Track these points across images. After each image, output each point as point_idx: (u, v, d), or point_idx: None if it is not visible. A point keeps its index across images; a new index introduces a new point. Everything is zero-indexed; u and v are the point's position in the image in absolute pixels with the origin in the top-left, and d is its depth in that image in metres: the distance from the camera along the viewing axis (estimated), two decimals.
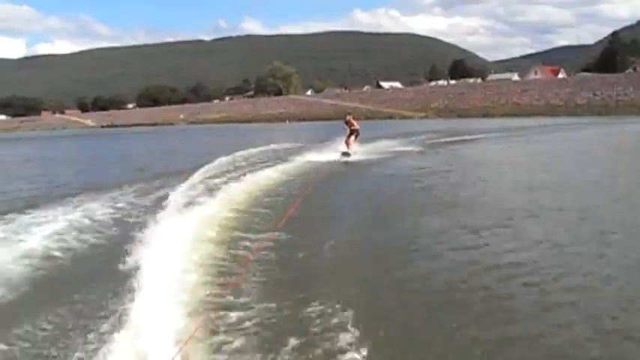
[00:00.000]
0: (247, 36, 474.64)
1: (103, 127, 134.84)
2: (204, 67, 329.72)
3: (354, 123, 20.37)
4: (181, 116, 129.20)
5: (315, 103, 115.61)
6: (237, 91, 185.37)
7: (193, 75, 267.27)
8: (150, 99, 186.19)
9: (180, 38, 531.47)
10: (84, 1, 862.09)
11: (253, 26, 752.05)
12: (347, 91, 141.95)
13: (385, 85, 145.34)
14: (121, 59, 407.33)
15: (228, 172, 14.30)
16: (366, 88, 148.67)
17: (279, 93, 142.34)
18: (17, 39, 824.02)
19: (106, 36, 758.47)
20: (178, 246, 6.76)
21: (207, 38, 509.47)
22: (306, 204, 10.05)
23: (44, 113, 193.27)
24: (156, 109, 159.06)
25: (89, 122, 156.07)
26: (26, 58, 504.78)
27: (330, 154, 18.69)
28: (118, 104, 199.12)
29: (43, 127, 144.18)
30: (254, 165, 16.21)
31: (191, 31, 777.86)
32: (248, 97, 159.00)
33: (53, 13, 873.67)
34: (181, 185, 11.67)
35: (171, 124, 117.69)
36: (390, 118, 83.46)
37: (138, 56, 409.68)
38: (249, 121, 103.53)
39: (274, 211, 9.32)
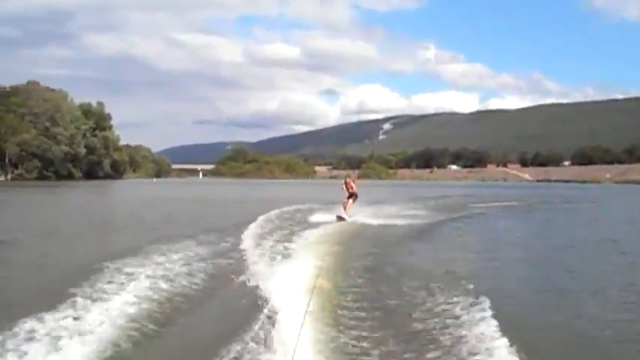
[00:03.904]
0: None
1: (538, 181, 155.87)
2: None
3: (353, 186, 19.87)
4: (607, 175, 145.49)
5: None
6: None
7: (636, 133, 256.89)
8: (584, 157, 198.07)
9: (630, 95, 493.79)
10: (536, 59, 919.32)
11: None
12: None
13: None
14: (565, 115, 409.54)
15: None
16: None
17: None
18: (471, 94, 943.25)
19: (554, 92, 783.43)
20: None
21: None
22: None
23: (489, 165, 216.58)
24: (587, 167, 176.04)
25: (526, 176, 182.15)
26: (477, 112, 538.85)
27: None
28: (555, 160, 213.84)
29: (487, 178, 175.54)
30: None
31: None
32: None
33: (505, 71, 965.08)
34: None
35: (598, 182, 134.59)
36: None
37: (582, 113, 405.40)
38: None
39: None
